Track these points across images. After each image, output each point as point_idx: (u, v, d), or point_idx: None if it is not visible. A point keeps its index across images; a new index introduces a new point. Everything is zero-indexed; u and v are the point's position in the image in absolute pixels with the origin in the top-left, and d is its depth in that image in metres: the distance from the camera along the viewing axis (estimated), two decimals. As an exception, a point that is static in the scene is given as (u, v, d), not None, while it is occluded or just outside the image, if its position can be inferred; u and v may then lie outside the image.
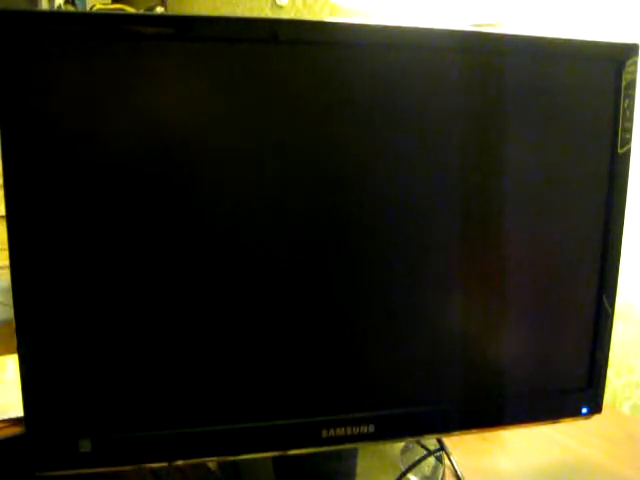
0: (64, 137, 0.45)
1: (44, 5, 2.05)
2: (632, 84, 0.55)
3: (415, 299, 0.54)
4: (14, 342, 0.47)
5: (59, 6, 2.04)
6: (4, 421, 0.64)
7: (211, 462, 0.64)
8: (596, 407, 0.61)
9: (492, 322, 0.57)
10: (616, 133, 0.56)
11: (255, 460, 0.59)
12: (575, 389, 0.60)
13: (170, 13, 1.47)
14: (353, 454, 0.64)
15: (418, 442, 0.67)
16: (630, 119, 0.56)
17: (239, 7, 1.58)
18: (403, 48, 0.50)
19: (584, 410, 0.61)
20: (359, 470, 0.63)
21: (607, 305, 0.59)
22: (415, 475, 0.63)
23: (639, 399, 0.82)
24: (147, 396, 0.50)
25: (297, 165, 0.49)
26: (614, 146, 0.56)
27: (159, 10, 1.90)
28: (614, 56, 0.54)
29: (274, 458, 0.62)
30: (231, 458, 0.53)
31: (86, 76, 0.45)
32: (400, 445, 0.67)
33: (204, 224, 0.48)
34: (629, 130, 0.56)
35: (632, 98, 0.55)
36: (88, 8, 2.00)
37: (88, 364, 0.48)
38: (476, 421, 0.58)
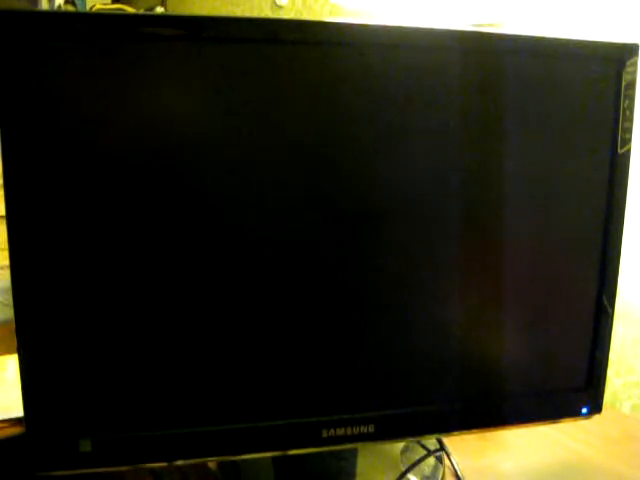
0: (64, 137, 0.45)
1: (44, 5, 2.05)
2: (632, 84, 0.55)
3: (415, 299, 0.54)
4: (14, 342, 0.47)
5: (59, 6, 2.04)
6: (4, 421, 0.64)
7: (211, 462, 0.64)
8: (596, 407, 0.61)
9: (492, 322, 0.57)
10: (616, 133, 0.56)
11: (255, 460, 0.59)
12: (575, 389, 0.60)
13: (170, 13, 1.47)
14: (353, 454, 0.64)
15: (418, 442, 0.67)
16: (630, 119, 0.56)
17: (239, 7, 1.58)
18: (403, 48, 0.50)
19: (584, 410, 0.61)
20: (359, 470, 0.63)
21: (607, 305, 0.59)
22: (415, 475, 0.63)
23: (639, 399, 0.82)
24: (147, 396, 0.50)
25: (297, 164, 0.49)
26: (614, 146, 0.56)
27: (159, 10, 1.90)
28: (614, 56, 0.54)
29: (274, 458, 0.62)
30: (231, 458, 0.53)
31: (86, 76, 0.45)
32: (400, 445, 0.67)
33: (205, 226, 0.48)
34: (629, 130, 0.56)
35: (632, 98, 0.55)
36: (88, 8, 1.99)
37: (88, 364, 0.48)
38: (476, 421, 0.58)
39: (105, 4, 1.95)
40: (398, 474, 0.62)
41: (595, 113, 0.55)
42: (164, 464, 0.51)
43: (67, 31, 0.44)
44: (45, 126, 0.44)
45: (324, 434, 0.54)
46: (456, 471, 0.64)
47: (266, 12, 1.47)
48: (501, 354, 0.58)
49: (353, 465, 0.63)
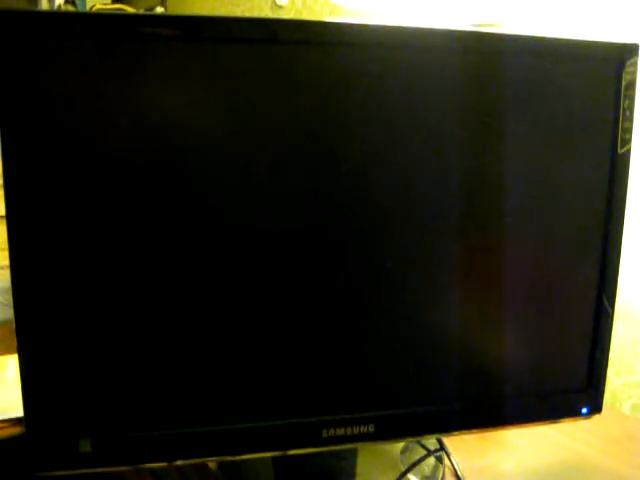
0: (64, 137, 0.45)
1: (44, 5, 2.05)
2: (632, 84, 0.55)
3: (415, 299, 0.54)
4: (14, 342, 0.47)
5: (59, 6, 2.04)
6: (4, 421, 0.64)
7: (211, 462, 0.63)
8: (596, 407, 0.61)
9: (492, 322, 0.57)
10: (616, 133, 0.56)
11: (255, 460, 0.59)
12: (575, 389, 0.60)
13: (170, 13, 1.47)
14: (353, 454, 0.64)
15: (418, 442, 0.67)
16: (630, 119, 0.56)
17: (239, 7, 1.58)
18: (403, 48, 0.50)
19: (584, 410, 0.61)
20: (359, 470, 0.63)
21: (607, 305, 0.59)
22: (415, 475, 0.63)
23: (639, 399, 0.82)
24: (147, 396, 0.50)
25: (298, 164, 0.49)
26: (614, 146, 0.56)
27: (159, 10, 1.90)
28: (614, 56, 0.54)
29: (274, 458, 0.62)
30: (231, 458, 0.53)
31: (86, 76, 0.45)
32: (400, 445, 0.67)
33: (205, 226, 0.48)
34: (629, 130, 0.56)
35: (632, 98, 0.55)
36: (88, 8, 1.99)
37: (88, 364, 0.48)
38: (476, 421, 0.58)
39: (105, 4, 1.95)
40: (398, 474, 0.62)
41: (595, 113, 0.55)
42: (164, 464, 0.51)
43: (67, 31, 0.44)
44: (45, 126, 0.44)
45: (324, 434, 0.54)
46: (456, 471, 0.64)
47: (266, 12, 1.47)
48: (501, 354, 0.58)
49: (353, 465, 0.63)
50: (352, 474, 0.63)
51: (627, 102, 0.55)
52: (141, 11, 1.89)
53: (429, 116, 0.51)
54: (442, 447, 0.66)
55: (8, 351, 0.79)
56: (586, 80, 0.54)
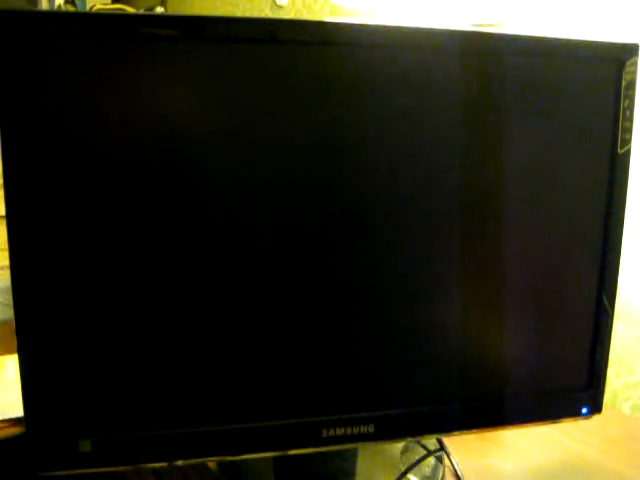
0: (64, 137, 0.45)
1: (44, 5, 2.05)
2: (632, 84, 0.55)
3: (415, 299, 0.54)
4: (14, 342, 0.47)
5: (59, 6, 2.04)
6: (4, 421, 0.64)
7: (211, 462, 0.63)
8: (596, 407, 0.61)
9: (492, 322, 0.57)
10: (616, 133, 0.56)
11: (255, 460, 0.59)
12: (575, 389, 0.60)
13: (170, 13, 1.47)
14: (353, 454, 0.64)
15: (418, 442, 0.67)
16: (630, 119, 0.56)
17: (239, 7, 1.58)
18: (403, 48, 0.50)
19: (584, 410, 0.61)
20: (359, 470, 0.63)
21: (607, 305, 0.59)
22: (415, 475, 0.63)
23: (639, 399, 0.82)
24: (147, 396, 0.50)
25: (297, 164, 0.49)
26: (614, 146, 0.56)
27: (159, 10, 1.90)
28: (614, 56, 0.54)
29: (274, 458, 0.62)
30: (231, 458, 0.53)
31: (86, 76, 0.45)
32: (400, 445, 0.67)
33: (205, 226, 0.48)
34: (629, 130, 0.56)
35: (632, 98, 0.55)
36: (88, 8, 1.99)
37: (88, 364, 0.48)
38: (476, 421, 0.58)
39: (105, 4, 1.95)
40: (398, 474, 0.62)
41: (595, 113, 0.55)
42: (164, 464, 0.51)
43: (67, 31, 0.44)
44: (45, 126, 0.44)
45: (324, 434, 0.54)
46: (456, 471, 0.64)
47: (266, 12, 1.47)
48: (501, 354, 0.58)
49: (353, 465, 0.63)
50: (352, 474, 0.63)
51: (627, 102, 0.55)
52: (141, 11, 1.89)
53: (429, 116, 0.51)
54: (442, 447, 0.66)
55: (8, 351, 0.79)
56: (586, 80, 0.54)
